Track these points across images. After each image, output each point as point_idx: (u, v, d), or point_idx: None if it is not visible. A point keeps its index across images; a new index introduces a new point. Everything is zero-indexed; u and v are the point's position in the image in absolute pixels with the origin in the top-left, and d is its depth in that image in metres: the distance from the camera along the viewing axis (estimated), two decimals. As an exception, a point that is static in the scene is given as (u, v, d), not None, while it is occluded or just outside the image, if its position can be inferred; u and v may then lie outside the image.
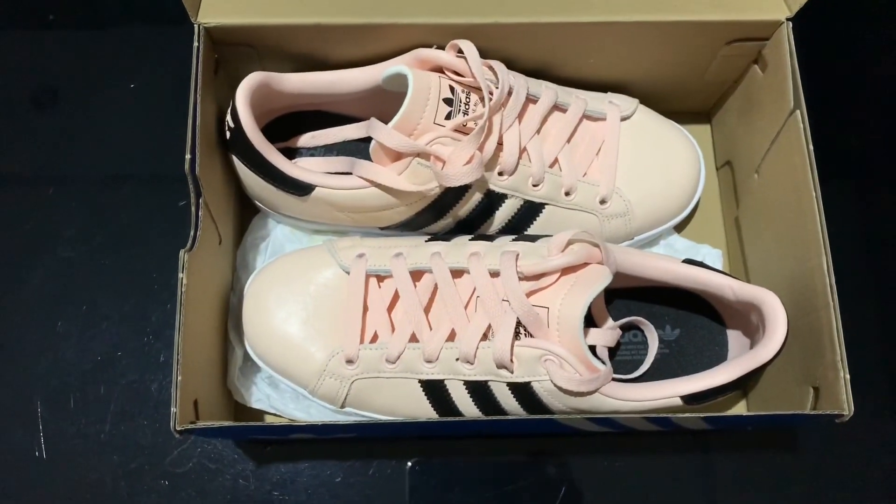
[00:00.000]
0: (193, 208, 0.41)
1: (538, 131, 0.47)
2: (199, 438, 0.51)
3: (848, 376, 0.39)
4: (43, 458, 0.50)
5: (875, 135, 0.60)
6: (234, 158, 0.47)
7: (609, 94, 0.51)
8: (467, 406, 0.44)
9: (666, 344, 0.48)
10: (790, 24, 0.45)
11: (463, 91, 0.44)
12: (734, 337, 0.48)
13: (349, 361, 0.44)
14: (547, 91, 0.48)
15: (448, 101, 0.44)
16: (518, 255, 0.42)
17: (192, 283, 0.40)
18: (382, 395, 0.44)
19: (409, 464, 0.50)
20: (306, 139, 0.51)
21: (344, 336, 0.44)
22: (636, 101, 0.51)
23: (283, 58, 0.48)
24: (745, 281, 0.49)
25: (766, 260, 0.49)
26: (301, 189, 0.46)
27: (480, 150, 0.44)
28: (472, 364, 0.42)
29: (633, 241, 0.51)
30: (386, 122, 0.43)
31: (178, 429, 0.38)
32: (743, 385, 0.44)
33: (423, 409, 0.44)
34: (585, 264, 0.42)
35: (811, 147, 0.43)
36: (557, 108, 0.48)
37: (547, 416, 0.42)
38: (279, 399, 0.49)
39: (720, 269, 0.51)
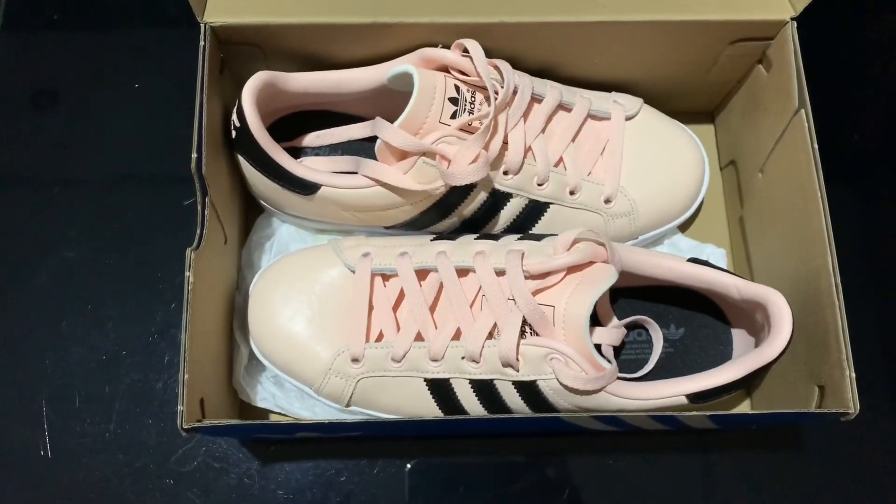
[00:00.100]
0: (200, 207, 0.41)
1: (543, 130, 0.47)
2: (203, 437, 0.51)
3: (853, 375, 0.39)
4: (48, 456, 0.50)
5: (880, 134, 0.60)
6: (240, 158, 0.47)
7: (613, 93, 0.51)
8: (473, 405, 0.44)
9: (671, 343, 0.48)
10: (795, 23, 0.45)
11: (468, 90, 0.45)
12: (739, 336, 0.48)
13: (355, 360, 0.44)
14: (552, 90, 0.48)
15: (453, 101, 0.44)
16: (524, 253, 0.42)
17: (198, 281, 0.40)
18: (388, 394, 0.45)
19: (412, 463, 0.51)
20: (311, 138, 0.51)
21: (349, 335, 0.44)
22: (640, 100, 0.51)
23: (289, 57, 0.48)
24: (750, 280, 0.49)
25: (771, 259, 0.49)
26: (306, 188, 0.46)
27: (486, 149, 0.44)
28: (477, 363, 0.42)
29: (637, 241, 0.51)
30: (391, 121, 0.43)
31: (184, 427, 0.38)
32: (748, 384, 0.44)
33: (429, 408, 0.44)
34: (591, 263, 0.42)
35: (816, 146, 0.43)
36: (562, 107, 0.48)
37: (553, 415, 0.42)
38: (284, 398, 0.49)
39: (725, 268, 0.51)
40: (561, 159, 0.48)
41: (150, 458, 0.50)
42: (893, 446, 0.52)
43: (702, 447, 0.52)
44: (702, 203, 0.53)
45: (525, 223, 0.48)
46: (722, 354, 0.48)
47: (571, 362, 0.40)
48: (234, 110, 0.45)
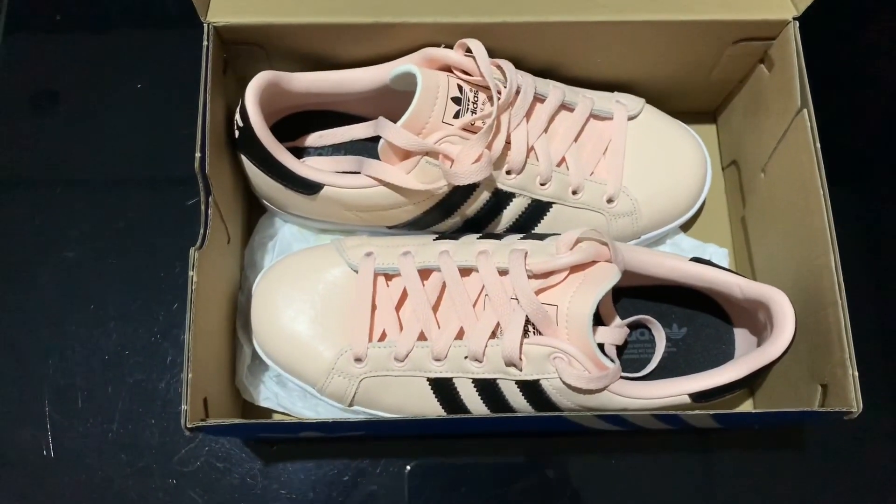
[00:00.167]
0: (203, 206, 0.41)
1: (546, 130, 0.47)
2: (206, 437, 0.51)
3: (856, 373, 0.39)
4: (51, 456, 0.50)
5: (882, 134, 0.60)
6: (243, 157, 0.47)
7: (616, 93, 0.52)
8: (476, 404, 0.44)
9: (673, 342, 0.49)
10: (797, 23, 0.46)
11: (471, 90, 0.45)
12: (741, 335, 0.48)
13: (357, 360, 0.44)
14: (554, 90, 0.48)
15: (456, 100, 0.44)
16: (527, 253, 0.42)
17: (201, 281, 0.40)
18: (391, 394, 0.45)
19: (414, 464, 0.51)
20: (314, 138, 0.51)
21: (352, 334, 0.44)
22: (643, 100, 0.52)
23: (292, 57, 0.48)
24: (752, 279, 0.49)
25: (773, 259, 0.49)
26: (309, 188, 0.46)
27: (489, 148, 0.44)
28: (480, 362, 0.42)
29: (639, 240, 0.51)
30: (394, 121, 0.43)
31: (188, 426, 0.38)
32: (751, 383, 0.44)
33: (432, 408, 0.44)
34: (594, 262, 0.42)
35: (818, 145, 0.43)
36: (565, 107, 0.48)
37: (556, 414, 0.42)
38: (287, 398, 0.49)
39: (727, 267, 0.51)
40: (563, 159, 0.48)
41: (153, 458, 0.50)
42: (895, 445, 0.52)
43: (703, 447, 0.52)
44: (704, 203, 0.53)
45: (528, 223, 0.48)
46: (724, 354, 0.48)
47: (574, 361, 0.40)
48: (238, 110, 0.45)
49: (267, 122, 0.45)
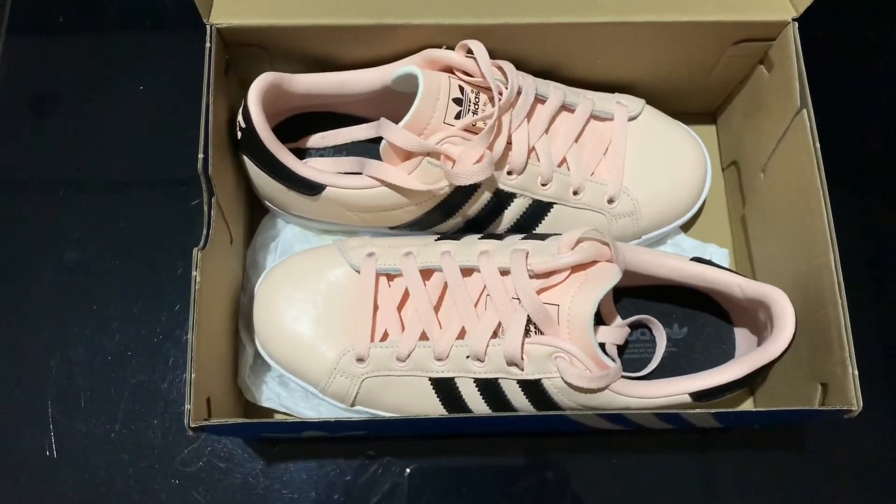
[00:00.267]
0: (206, 207, 0.42)
1: (546, 131, 0.47)
2: (208, 438, 0.51)
3: (856, 372, 0.39)
4: (53, 457, 0.50)
5: (881, 134, 0.60)
6: (245, 158, 0.47)
7: (616, 94, 0.52)
8: (477, 404, 0.44)
9: (674, 342, 0.49)
10: (796, 24, 0.46)
11: (472, 91, 0.45)
12: (741, 335, 0.48)
13: (360, 360, 0.44)
14: (555, 91, 0.48)
15: (458, 101, 0.44)
16: (528, 253, 0.42)
17: (204, 282, 0.40)
18: (393, 394, 0.45)
19: (415, 463, 0.51)
20: (316, 139, 0.51)
21: (354, 335, 0.44)
22: (643, 101, 0.52)
23: (294, 58, 0.48)
24: (752, 279, 0.49)
25: (773, 258, 0.49)
26: (312, 189, 0.46)
27: (490, 149, 0.44)
28: (482, 362, 0.42)
29: (640, 241, 0.51)
30: (396, 122, 0.44)
31: (192, 426, 0.38)
32: (751, 382, 0.44)
33: (434, 407, 0.45)
34: (595, 262, 0.42)
35: (818, 146, 0.43)
36: (565, 108, 0.49)
37: (558, 413, 0.42)
38: (289, 398, 0.49)
39: (727, 267, 0.52)
40: (564, 159, 0.48)
41: (156, 458, 0.50)
42: (894, 443, 0.52)
43: (704, 447, 0.52)
44: (704, 203, 0.53)
45: (529, 223, 0.49)
46: (725, 353, 0.48)
47: (576, 361, 0.41)
48: (240, 111, 0.46)
49: (269, 124, 0.45)
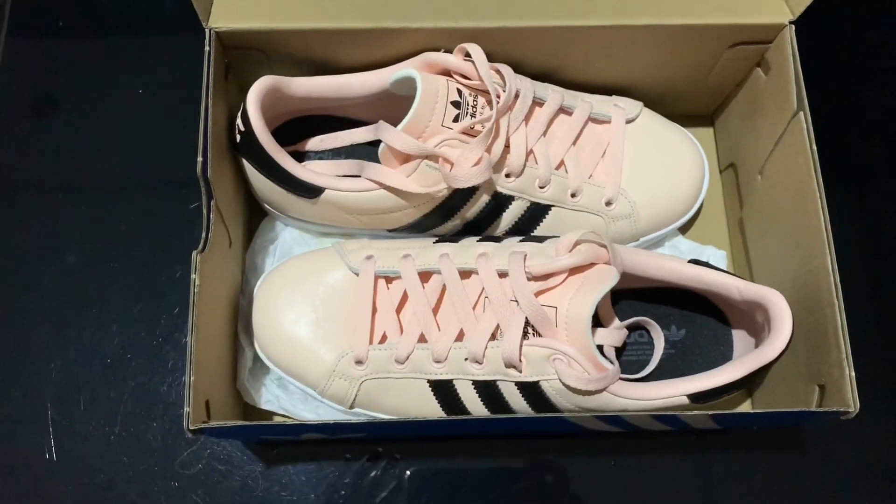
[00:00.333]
0: (205, 210, 0.42)
1: (544, 134, 0.48)
2: (208, 440, 0.51)
3: (853, 374, 0.39)
4: (53, 459, 0.50)
5: (878, 136, 0.60)
6: (244, 161, 0.47)
7: (614, 97, 0.52)
8: (476, 406, 0.44)
9: (672, 344, 0.49)
10: (793, 27, 0.46)
11: (470, 94, 0.45)
12: (739, 336, 0.48)
13: (358, 362, 0.44)
14: (553, 94, 0.48)
15: (456, 104, 0.44)
16: (526, 255, 0.42)
17: (203, 284, 0.41)
18: (391, 396, 0.45)
19: (415, 466, 0.51)
20: (315, 142, 0.51)
21: (353, 337, 0.44)
22: (640, 104, 0.52)
23: (293, 62, 0.48)
24: (750, 281, 0.50)
25: (770, 260, 0.49)
26: (310, 191, 0.46)
27: (488, 151, 0.44)
28: (480, 364, 0.43)
29: (638, 243, 0.52)
30: (394, 125, 0.44)
31: (191, 428, 0.38)
32: (749, 384, 0.44)
33: (432, 409, 0.45)
34: (592, 264, 0.42)
35: (815, 148, 0.43)
36: (563, 110, 0.49)
37: (556, 415, 0.42)
38: (288, 400, 0.49)
39: (725, 269, 0.52)
40: (562, 162, 0.48)
41: (155, 461, 0.50)
42: (893, 445, 0.52)
43: (703, 448, 0.52)
44: (702, 205, 0.53)
45: (527, 225, 0.49)
46: (722, 355, 0.48)
47: (574, 363, 0.41)
48: (239, 114, 0.46)
49: (268, 127, 0.45)
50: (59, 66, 0.60)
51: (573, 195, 0.49)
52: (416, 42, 0.47)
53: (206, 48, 0.44)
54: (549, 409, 0.43)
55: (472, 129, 0.44)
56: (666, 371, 0.48)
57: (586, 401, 0.42)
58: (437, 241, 0.47)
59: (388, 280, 0.45)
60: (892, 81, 0.62)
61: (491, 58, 0.46)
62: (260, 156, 0.46)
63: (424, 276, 0.45)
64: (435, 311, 0.44)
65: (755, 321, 0.46)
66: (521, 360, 0.42)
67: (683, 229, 0.55)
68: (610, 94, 0.52)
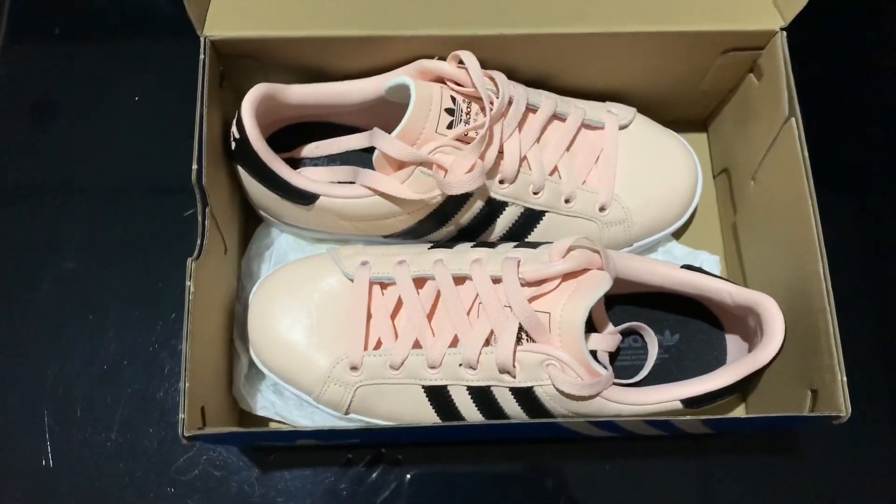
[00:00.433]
0: (200, 217, 0.42)
1: (538, 140, 0.48)
2: (204, 446, 0.51)
3: (845, 378, 0.40)
4: (50, 466, 0.50)
5: (870, 141, 0.61)
6: (239, 169, 0.48)
7: (607, 103, 0.52)
8: (470, 411, 0.44)
9: (665, 349, 0.49)
10: (784, 33, 0.46)
11: (464, 101, 0.45)
12: (733, 341, 0.48)
13: (353, 368, 0.44)
14: (546, 100, 0.49)
15: (450, 111, 0.44)
16: (520, 261, 0.43)
17: (199, 291, 0.41)
18: (386, 402, 0.45)
19: (410, 471, 0.51)
20: (310, 149, 0.51)
21: (348, 343, 0.45)
22: (634, 110, 0.52)
23: (288, 69, 0.48)
24: (743, 286, 0.50)
25: (764, 265, 0.50)
26: (305, 198, 0.47)
27: (482, 158, 0.45)
28: (474, 369, 0.43)
29: (632, 248, 0.52)
30: (389, 132, 0.44)
31: (186, 435, 0.38)
32: (742, 388, 0.45)
33: (427, 415, 0.45)
34: (586, 270, 0.42)
35: (806, 153, 0.44)
36: (557, 117, 0.49)
37: (550, 420, 0.43)
38: (284, 406, 0.49)
39: (718, 274, 0.52)
40: (556, 168, 0.48)
41: (152, 467, 0.50)
42: (886, 449, 0.52)
43: (699, 452, 0.52)
44: (695, 210, 0.53)
45: (521, 231, 0.49)
46: (716, 360, 0.49)
47: (567, 368, 0.41)
48: (234, 122, 0.46)
49: (263, 134, 0.46)
50: (56, 73, 0.60)
51: (567, 201, 0.49)
52: (410, 49, 0.47)
53: (201, 56, 0.44)
54: (543, 414, 0.43)
55: (465, 135, 0.45)
56: (660, 376, 0.48)
57: (580, 406, 0.42)
58: (431, 247, 0.47)
59: (383, 286, 0.46)
60: (882, 86, 0.62)
61: (484, 65, 0.46)
62: (255, 163, 0.46)
63: (419, 282, 0.45)
64: (429, 316, 0.44)
65: (748, 326, 0.46)
66: (514, 366, 0.42)
67: (677, 234, 0.55)
68: (603, 101, 0.52)
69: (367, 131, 0.50)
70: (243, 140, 0.45)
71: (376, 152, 0.45)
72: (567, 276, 0.42)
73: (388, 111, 0.48)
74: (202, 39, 0.45)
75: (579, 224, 0.49)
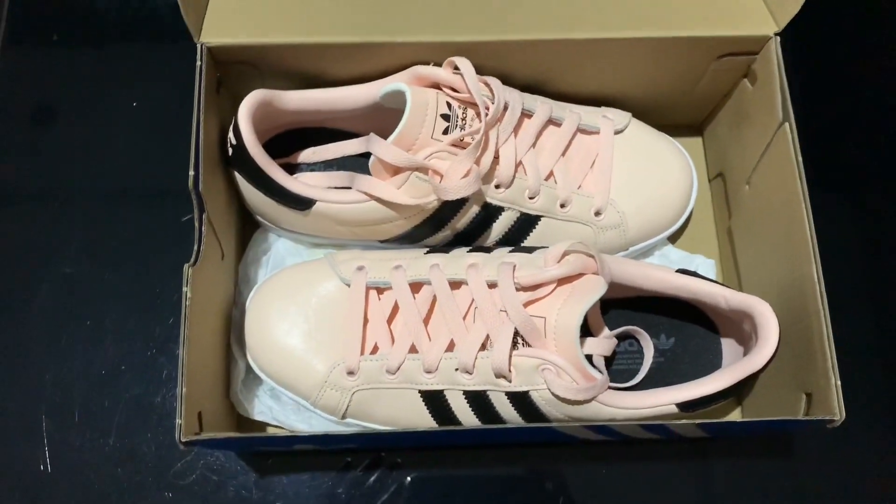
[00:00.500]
0: (197, 223, 0.42)
1: (533, 145, 0.48)
2: (202, 451, 0.51)
3: (839, 382, 0.40)
4: (48, 471, 0.50)
5: (865, 144, 0.61)
6: (236, 174, 0.48)
7: (603, 108, 0.52)
8: (467, 416, 0.44)
9: (661, 353, 0.49)
10: (778, 38, 0.46)
11: (460, 107, 0.46)
12: (728, 345, 0.49)
13: (350, 373, 0.45)
14: (542, 106, 0.49)
15: (445, 117, 0.45)
16: (515, 266, 0.43)
17: (196, 296, 0.41)
18: (383, 406, 0.45)
19: (408, 475, 0.51)
20: (307, 155, 0.52)
21: (345, 348, 0.45)
22: (629, 114, 0.52)
23: (284, 76, 0.49)
24: (738, 289, 0.50)
25: (758, 269, 0.50)
26: (302, 204, 0.47)
27: (477, 163, 0.45)
28: (471, 374, 0.43)
29: (627, 252, 0.52)
30: (385, 137, 0.44)
31: (183, 440, 0.38)
32: (737, 392, 0.45)
33: (424, 420, 0.45)
34: (581, 275, 0.42)
35: (800, 158, 0.44)
36: (552, 122, 0.49)
37: (545, 425, 0.43)
38: (281, 411, 0.49)
39: (713, 278, 0.52)
40: (551, 173, 0.49)
41: (149, 472, 0.51)
42: (882, 452, 0.53)
43: (695, 455, 0.52)
44: (691, 215, 0.54)
45: (516, 236, 0.49)
46: (711, 363, 0.49)
47: (563, 373, 0.41)
48: (231, 128, 0.46)
49: (260, 140, 0.46)
50: (53, 79, 0.61)
51: (562, 206, 0.49)
52: (405, 56, 0.47)
53: (198, 63, 0.44)
54: (539, 418, 0.43)
55: (461, 141, 0.45)
56: (655, 380, 0.48)
57: (575, 410, 0.42)
58: (427, 252, 0.47)
59: (380, 291, 0.46)
60: (874, 90, 0.63)
61: (480, 71, 0.46)
62: (251, 169, 0.46)
63: (415, 286, 0.45)
64: (426, 321, 0.44)
65: (743, 330, 0.46)
66: (510, 371, 0.42)
67: (673, 238, 0.55)
68: (598, 106, 0.53)
69: (364, 137, 0.50)
70: (240, 146, 0.45)
71: (372, 158, 0.45)
72: (562, 281, 0.42)
73: (385, 117, 0.48)
74: (199, 46, 0.45)
75: (575, 228, 0.50)
